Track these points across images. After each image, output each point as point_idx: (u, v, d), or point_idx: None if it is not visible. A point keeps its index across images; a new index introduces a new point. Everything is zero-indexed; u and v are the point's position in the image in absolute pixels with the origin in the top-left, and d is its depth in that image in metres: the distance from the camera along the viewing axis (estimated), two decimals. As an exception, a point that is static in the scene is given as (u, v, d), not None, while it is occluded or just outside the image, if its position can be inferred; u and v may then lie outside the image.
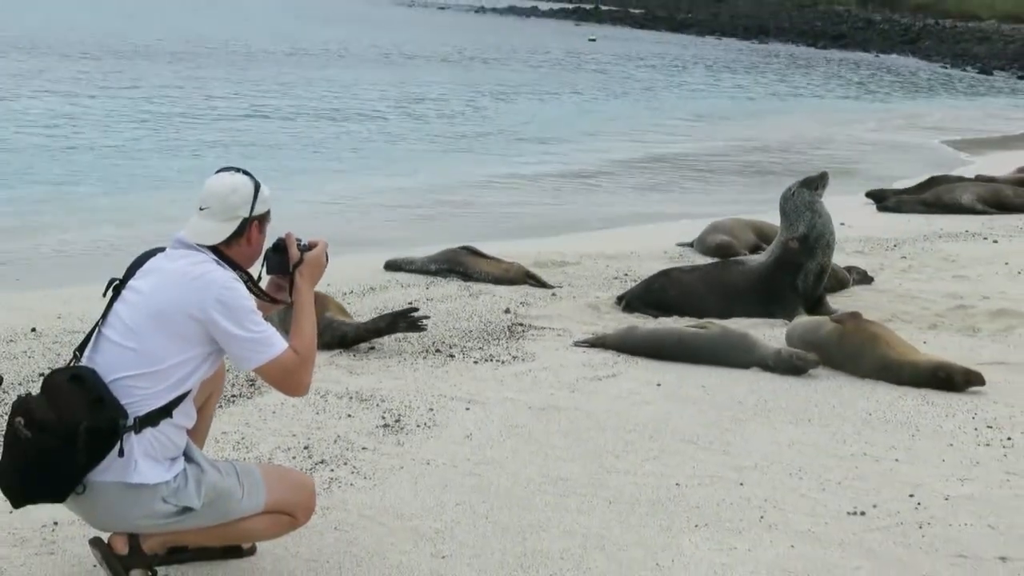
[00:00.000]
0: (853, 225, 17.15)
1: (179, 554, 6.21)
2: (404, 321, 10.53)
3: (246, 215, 5.86)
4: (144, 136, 26.16)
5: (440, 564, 6.37)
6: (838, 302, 12.40)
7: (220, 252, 5.81)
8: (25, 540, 6.50)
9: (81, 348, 5.80)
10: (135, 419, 5.54)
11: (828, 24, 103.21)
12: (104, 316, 5.78)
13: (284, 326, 6.12)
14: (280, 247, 6.06)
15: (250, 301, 5.72)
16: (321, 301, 10.50)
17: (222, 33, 57.29)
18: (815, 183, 12.30)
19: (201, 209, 5.86)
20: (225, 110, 31.84)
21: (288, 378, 5.81)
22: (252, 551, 6.38)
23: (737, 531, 6.88)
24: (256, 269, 6.06)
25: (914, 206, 19.44)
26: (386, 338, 10.71)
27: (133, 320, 5.65)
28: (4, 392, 8.90)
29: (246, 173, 5.95)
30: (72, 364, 5.76)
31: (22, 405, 5.51)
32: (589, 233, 17.54)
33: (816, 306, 12.05)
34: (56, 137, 25.05)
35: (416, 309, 10.73)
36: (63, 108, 29.67)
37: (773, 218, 15.79)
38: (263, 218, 5.96)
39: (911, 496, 7.40)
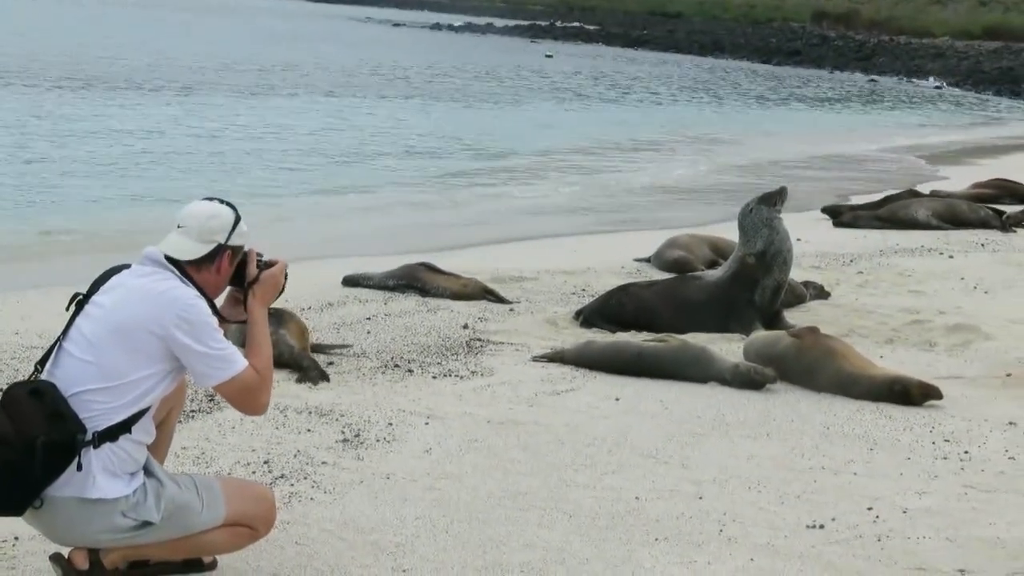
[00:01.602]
0: (810, 240, 17.23)
1: (140, 568, 6.18)
2: (312, 374, 10.37)
3: (222, 241, 5.87)
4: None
5: (401, 578, 6.38)
6: (795, 317, 12.46)
7: (188, 275, 5.81)
8: (-15, 555, 6.48)
9: (42, 362, 5.79)
10: (94, 434, 5.53)
11: (783, 40, 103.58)
12: (66, 330, 5.77)
13: (241, 343, 6.11)
14: (240, 261, 6.06)
15: (212, 319, 5.74)
16: (281, 317, 10.50)
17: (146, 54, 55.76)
18: (773, 199, 12.35)
19: (179, 227, 5.88)
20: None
21: (247, 396, 5.83)
22: (213, 565, 6.36)
23: (697, 544, 6.90)
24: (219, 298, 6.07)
25: (870, 221, 19.54)
26: (343, 353, 10.74)
27: (94, 334, 5.64)
28: (-39, 408, 8.84)
29: (229, 205, 5.97)
30: (32, 378, 5.74)
31: (-21, 417, 5.49)
32: (547, 248, 17.54)
33: (773, 321, 12.10)
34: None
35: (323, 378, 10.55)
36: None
37: (730, 234, 15.93)
38: (236, 251, 5.97)
39: (869, 509, 7.45)
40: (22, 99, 33.37)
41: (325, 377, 10.05)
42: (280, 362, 10.22)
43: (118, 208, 19.60)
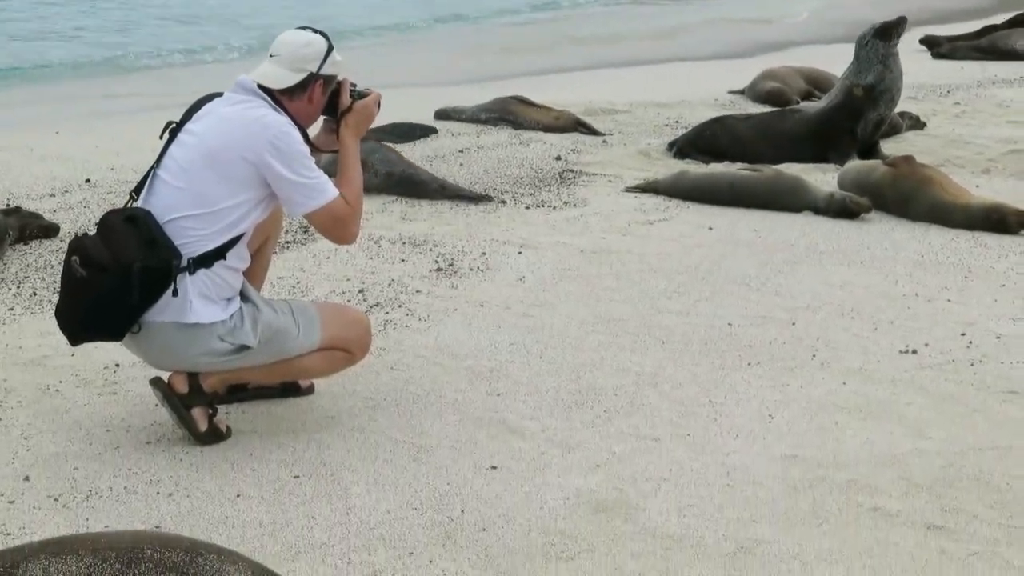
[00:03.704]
0: (906, 71, 16.92)
1: (239, 393, 6.30)
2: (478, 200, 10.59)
3: (313, 70, 5.85)
4: None
5: (496, 401, 6.44)
6: (890, 147, 12.31)
7: (281, 104, 5.81)
8: (88, 381, 6.61)
9: (137, 190, 5.84)
10: (189, 260, 5.57)
11: None
12: (159, 159, 5.81)
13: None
14: (333, 91, 6.05)
15: (304, 147, 5.73)
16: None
17: None
18: (891, 32, 12.01)
19: (271, 56, 5.87)
20: None
21: (337, 225, 5.85)
22: (310, 390, 6.47)
23: (789, 369, 6.91)
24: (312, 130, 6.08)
25: (968, 52, 19.17)
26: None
27: (187, 161, 5.67)
28: (61, 241, 8.99)
29: (322, 34, 5.94)
30: (128, 206, 5.80)
31: (78, 244, 5.57)
32: (638, 77, 17.41)
33: (870, 152, 11.97)
34: None
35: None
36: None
37: (827, 65, 15.72)
38: (328, 80, 5.95)
39: (963, 335, 7.40)
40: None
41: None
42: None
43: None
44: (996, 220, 9.61)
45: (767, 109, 14.01)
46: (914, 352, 7.14)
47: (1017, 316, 7.74)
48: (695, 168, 11.44)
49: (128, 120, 14.31)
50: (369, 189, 10.29)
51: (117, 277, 5.44)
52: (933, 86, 16.45)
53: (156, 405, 6.07)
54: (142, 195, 5.79)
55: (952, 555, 4.92)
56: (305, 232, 9.29)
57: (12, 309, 7.70)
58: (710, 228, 9.67)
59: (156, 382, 5.92)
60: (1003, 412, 6.33)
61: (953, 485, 5.50)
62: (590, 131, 13.48)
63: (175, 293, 5.54)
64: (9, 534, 4.95)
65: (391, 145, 11.37)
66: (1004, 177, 11.50)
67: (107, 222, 5.63)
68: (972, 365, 6.95)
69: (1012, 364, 6.96)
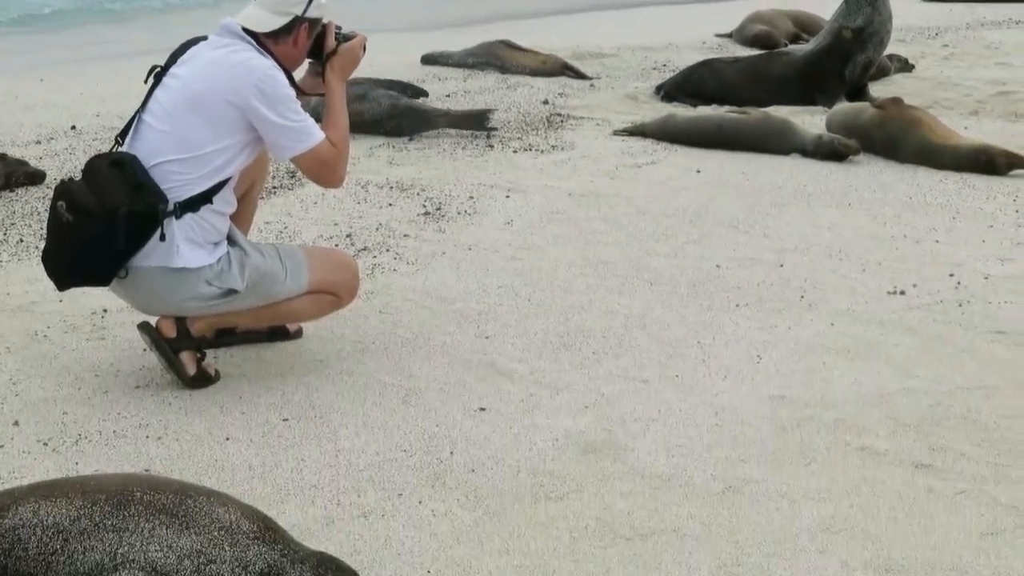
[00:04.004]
0: (896, 14, 16.88)
1: (227, 337, 6.30)
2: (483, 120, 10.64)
3: (298, 13, 5.81)
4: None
5: (484, 343, 6.44)
6: (879, 90, 12.31)
7: (266, 48, 5.77)
8: (76, 327, 6.59)
9: (122, 135, 5.80)
10: (175, 205, 5.54)
11: None
12: (144, 103, 5.77)
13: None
14: (318, 34, 6.01)
15: (290, 91, 5.69)
16: None
17: None
18: None
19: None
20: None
21: (324, 169, 5.82)
22: (298, 334, 6.47)
23: (777, 310, 6.92)
24: (298, 73, 6.05)
25: (957, -6, 19.15)
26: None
27: (172, 105, 5.63)
28: (47, 188, 8.96)
29: None
30: (114, 151, 5.77)
31: (64, 189, 5.53)
32: (625, 21, 17.36)
33: (858, 94, 11.96)
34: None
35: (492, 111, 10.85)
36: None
37: (815, 8, 15.69)
38: (313, 23, 5.91)
39: (951, 276, 7.41)
40: None
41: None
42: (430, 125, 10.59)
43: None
44: (984, 161, 9.61)
45: (755, 52, 13.97)
46: (902, 293, 7.14)
47: (1005, 256, 7.75)
48: (683, 111, 11.44)
49: (113, 67, 14.25)
50: (376, 118, 10.36)
51: (103, 222, 5.41)
52: (922, 28, 16.45)
53: (144, 350, 6.06)
54: (127, 139, 5.76)
55: (940, 493, 4.93)
56: (292, 177, 9.27)
57: (-1, 256, 7.70)
58: (698, 171, 9.66)
59: (144, 327, 5.90)
60: (990, 352, 6.34)
61: (940, 424, 5.52)
62: (578, 75, 13.46)
63: (162, 238, 5.52)
64: (0, 479, 4.96)
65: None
66: (992, 118, 11.51)
67: (93, 167, 5.60)
68: (960, 305, 6.96)
69: (999, 304, 6.97)
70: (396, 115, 10.67)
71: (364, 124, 10.38)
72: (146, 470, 5.02)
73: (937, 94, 12.43)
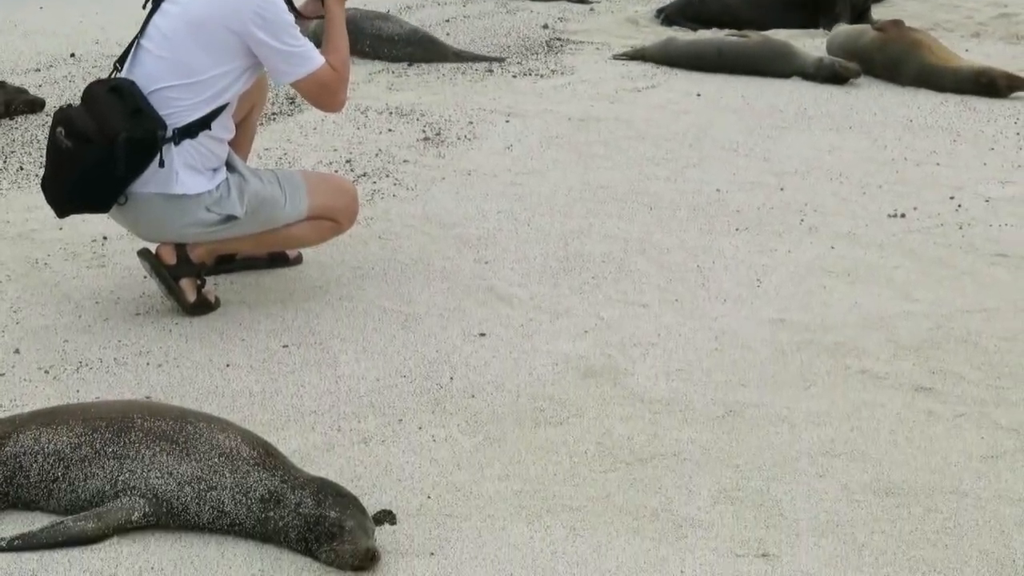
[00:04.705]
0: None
1: (227, 264, 6.29)
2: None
3: None
4: None
5: (484, 268, 6.43)
6: (880, 12, 12.25)
7: None
8: (76, 254, 6.59)
9: (121, 61, 5.77)
10: (174, 131, 5.51)
11: None
12: (143, 29, 5.71)
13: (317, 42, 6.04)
14: None
15: (289, 16, 5.65)
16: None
17: None
18: None
19: None
20: None
21: (324, 93, 5.79)
22: (298, 260, 6.45)
23: (777, 234, 6.91)
24: None
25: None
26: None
27: (171, 30, 5.58)
28: (47, 116, 8.93)
29: None
30: (112, 76, 5.74)
31: (63, 116, 5.50)
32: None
33: (860, 17, 11.89)
34: None
35: None
36: None
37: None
38: None
39: (952, 198, 7.40)
40: None
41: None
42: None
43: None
44: (985, 83, 9.57)
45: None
46: (902, 216, 7.14)
47: (1006, 179, 7.74)
48: (683, 35, 11.38)
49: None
50: (394, 37, 10.34)
51: (102, 148, 5.38)
52: (924, -51, 16.31)
53: (144, 277, 6.05)
54: (126, 65, 5.72)
55: (939, 416, 4.94)
56: (292, 103, 9.23)
57: (-2, 184, 7.68)
58: (698, 95, 9.63)
59: (144, 253, 5.88)
60: (991, 275, 6.34)
61: (940, 347, 5.52)
62: (577, -1, 13.39)
63: (161, 164, 5.49)
64: (1, 406, 4.96)
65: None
66: (993, 41, 11.46)
67: (91, 92, 5.56)
68: (960, 228, 6.95)
69: (1000, 227, 6.96)
70: (415, 41, 10.67)
71: (381, 41, 10.46)
72: (147, 397, 5.02)
73: (938, 16, 12.38)
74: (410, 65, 10.51)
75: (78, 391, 5.11)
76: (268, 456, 4.01)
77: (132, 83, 5.55)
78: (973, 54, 10.59)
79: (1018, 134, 8.63)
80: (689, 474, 4.51)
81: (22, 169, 7.89)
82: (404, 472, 4.51)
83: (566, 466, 4.57)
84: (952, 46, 10.47)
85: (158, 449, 3.95)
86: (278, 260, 6.40)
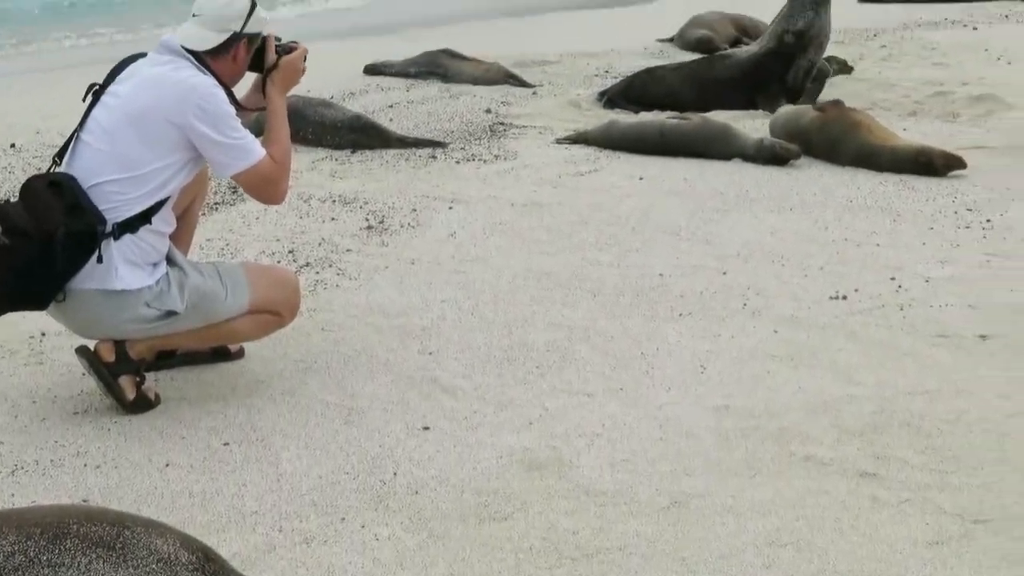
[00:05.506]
0: (833, 15, 16.95)
1: (167, 359, 6.24)
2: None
3: (237, 30, 5.77)
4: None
5: (428, 360, 6.40)
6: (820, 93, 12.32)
7: (205, 63, 5.72)
8: (14, 352, 6.52)
9: (60, 155, 5.74)
10: (113, 225, 5.49)
11: None
12: (82, 121, 5.71)
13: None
14: (258, 47, 5.96)
15: (230, 107, 5.65)
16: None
17: None
18: None
19: (194, 16, 5.78)
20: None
21: (266, 185, 5.79)
22: (240, 354, 6.41)
23: (720, 319, 6.91)
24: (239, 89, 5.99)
25: (893, -5, 19.22)
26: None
27: (111, 123, 5.58)
28: (-15, 207, 8.86)
29: None
30: (51, 171, 5.71)
31: (1, 212, 5.46)
32: (568, 25, 17.39)
33: (800, 97, 11.99)
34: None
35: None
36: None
37: (756, 12, 15.74)
38: (253, 39, 5.88)
39: (892, 279, 7.43)
40: None
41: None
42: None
43: None
44: (923, 163, 9.64)
45: (696, 56, 14.00)
46: (844, 298, 7.16)
47: (945, 259, 7.77)
48: (625, 118, 11.43)
49: (54, 82, 14.14)
50: (337, 124, 10.36)
51: (41, 244, 5.35)
52: (860, 30, 16.54)
53: (83, 374, 5.99)
54: (65, 159, 5.70)
55: (884, 502, 4.93)
56: (234, 192, 9.21)
57: (-64, 279, 7.59)
58: (640, 178, 9.66)
59: (82, 350, 5.83)
60: (932, 356, 6.35)
61: (884, 431, 5.52)
62: (520, 83, 13.46)
63: (100, 259, 5.46)
64: (-65, 511, 4.88)
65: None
66: (931, 119, 11.55)
67: (30, 188, 5.53)
68: (902, 309, 6.97)
69: (941, 307, 6.99)
70: (358, 128, 10.69)
71: (324, 128, 10.51)
72: (84, 500, 4.96)
73: (876, 95, 12.48)
74: (353, 152, 10.52)
75: (13, 495, 5.05)
76: (207, 561, 3.94)
77: (71, 177, 5.53)
78: (911, 133, 10.67)
79: (956, 213, 8.68)
80: (635, 569, 4.48)
81: (-39, 265, 7.81)
82: (347, 573, 4.46)
83: (511, 563, 4.53)
84: (890, 125, 10.56)
85: (94, 556, 3.88)
86: (220, 354, 6.36)
